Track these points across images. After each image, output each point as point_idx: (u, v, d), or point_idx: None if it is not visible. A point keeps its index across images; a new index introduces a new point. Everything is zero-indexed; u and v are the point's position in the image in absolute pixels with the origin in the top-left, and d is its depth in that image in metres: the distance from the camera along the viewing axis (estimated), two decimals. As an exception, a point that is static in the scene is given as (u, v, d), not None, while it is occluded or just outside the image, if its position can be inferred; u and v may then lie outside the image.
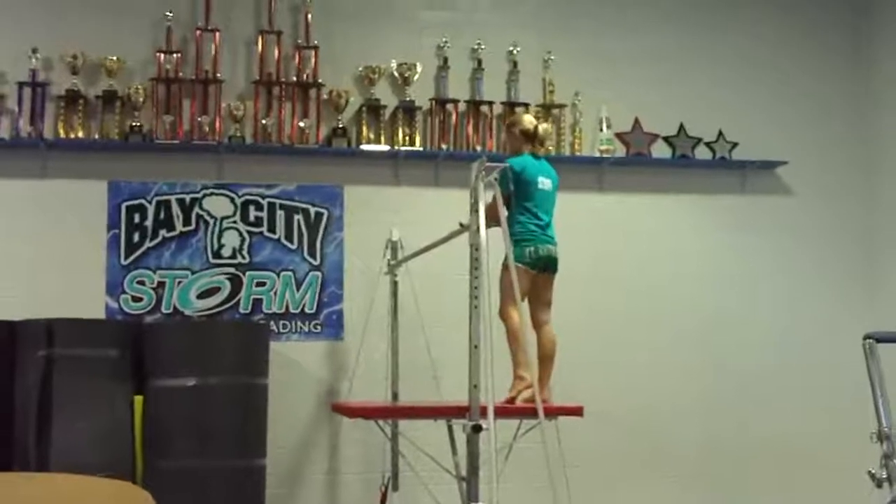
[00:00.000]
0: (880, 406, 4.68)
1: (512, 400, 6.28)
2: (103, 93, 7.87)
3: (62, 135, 7.80)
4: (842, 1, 9.18)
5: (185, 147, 7.95)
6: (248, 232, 8.03)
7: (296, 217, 8.11)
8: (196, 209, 7.98)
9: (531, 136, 6.73)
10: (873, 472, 4.53)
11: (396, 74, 8.30)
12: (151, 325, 7.45)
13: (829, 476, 7.92)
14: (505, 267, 5.98)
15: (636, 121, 8.65)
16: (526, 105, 8.41)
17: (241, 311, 7.95)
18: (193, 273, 7.92)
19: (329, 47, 8.25)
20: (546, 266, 6.46)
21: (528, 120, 6.88)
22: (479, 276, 5.52)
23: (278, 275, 8.03)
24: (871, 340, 4.84)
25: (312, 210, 8.14)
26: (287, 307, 8.02)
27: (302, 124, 8.09)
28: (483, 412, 5.36)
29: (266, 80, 8.13)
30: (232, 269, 7.98)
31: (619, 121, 8.60)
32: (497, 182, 5.73)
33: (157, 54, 7.98)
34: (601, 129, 8.54)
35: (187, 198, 7.98)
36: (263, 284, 8.01)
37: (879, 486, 4.52)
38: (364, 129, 8.20)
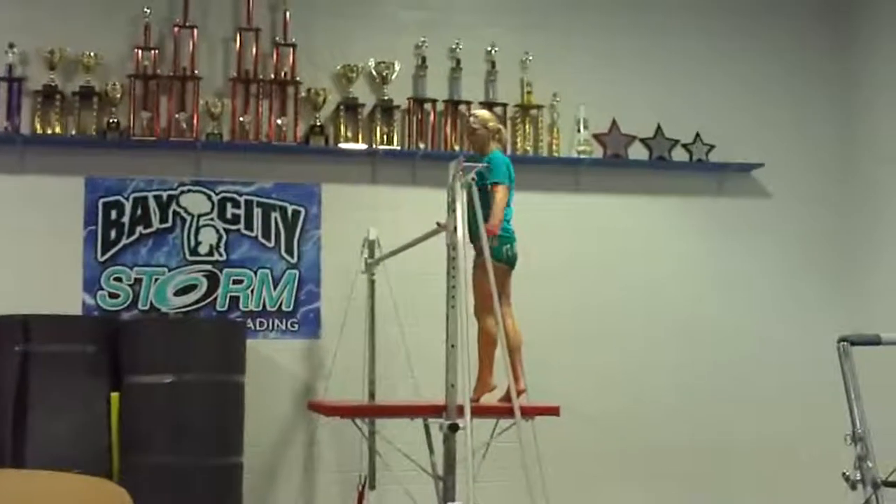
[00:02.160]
0: (854, 408, 4.70)
1: (476, 399, 6.24)
2: (80, 88, 7.85)
3: (39, 130, 7.77)
4: (821, 4, 9.22)
5: (162, 144, 7.94)
6: (225, 229, 8.02)
7: (273, 215, 8.11)
8: (173, 206, 7.96)
9: (495, 135, 6.74)
10: (847, 473, 4.56)
11: (374, 73, 8.30)
12: (128, 322, 7.45)
13: (807, 475, 7.97)
14: (481, 266, 5.98)
15: (613, 122, 8.68)
16: (503, 105, 8.43)
17: (218, 308, 7.94)
18: (170, 270, 7.91)
19: (307, 45, 8.24)
20: (514, 262, 6.48)
21: (494, 118, 6.90)
22: (456, 276, 5.53)
23: (255, 272, 8.03)
24: (845, 343, 4.86)
25: (290, 208, 8.14)
26: (264, 305, 8.02)
27: (279, 122, 8.08)
28: (460, 411, 5.37)
29: (244, 77, 8.12)
30: (209, 267, 7.97)
31: (597, 122, 8.62)
32: (491, 173, 6.07)
33: (135, 51, 7.96)
34: (578, 130, 8.56)
35: (164, 195, 7.96)
36: (240, 282, 8.00)
37: (854, 487, 4.55)
38: (342, 127, 8.20)
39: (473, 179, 5.77)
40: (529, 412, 5.99)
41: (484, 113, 6.97)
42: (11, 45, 7.75)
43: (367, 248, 7.71)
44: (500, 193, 6.26)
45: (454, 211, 5.53)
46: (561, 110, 8.56)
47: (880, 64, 8.80)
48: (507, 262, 6.34)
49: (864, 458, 4.56)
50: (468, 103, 8.39)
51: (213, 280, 7.97)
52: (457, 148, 8.26)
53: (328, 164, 8.24)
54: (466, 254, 5.58)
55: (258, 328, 7.96)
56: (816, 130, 9.07)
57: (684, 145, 8.79)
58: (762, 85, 8.99)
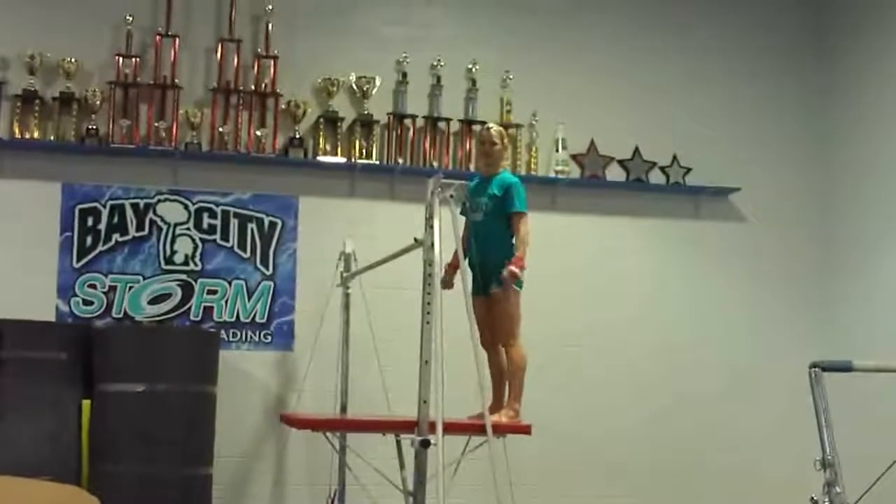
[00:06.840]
0: (824, 434, 4.72)
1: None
2: (60, 94, 7.83)
3: (17, 135, 7.74)
4: (799, 28, 9.30)
5: (140, 152, 7.92)
6: (201, 239, 8.01)
7: (249, 226, 8.10)
8: (150, 214, 7.95)
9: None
10: (815, 498, 4.58)
11: (355, 87, 8.31)
12: (101, 330, 7.40)
13: (776, 499, 7.96)
14: (504, 299, 6.29)
15: (592, 143, 8.71)
16: (483, 123, 8.44)
17: (192, 318, 7.92)
18: (145, 279, 7.89)
19: (288, 57, 8.25)
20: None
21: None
22: (431, 292, 5.53)
23: (230, 283, 8.02)
24: (817, 369, 4.89)
25: (266, 219, 8.13)
26: (238, 316, 8.00)
27: (259, 133, 8.08)
28: (431, 427, 5.37)
29: (224, 87, 8.12)
30: (184, 276, 7.95)
31: (575, 142, 8.66)
32: (516, 201, 6.34)
33: (116, 58, 7.95)
34: (557, 150, 8.59)
35: (141, 203, 7.95)
36: (215, 292, 7.99)
37: (821, 512, 4.56)
38: (321, 140, 8.21)
39: (468, 206, 5.93)
40: (501, 430, 6.00)
41: (499, 128, 6.80)
42: (-8, 49, 7.76)
43: (343, 262, 7.71)
44: (524, 225, 6.42)
45: (431, 227, 5.54)
46: (540, 130, 8.59)
47: (859, 90, 8.87)
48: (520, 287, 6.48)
49: (832, 484, 4.58)
50: (448, 120, 8.42)
51: (187, 289, 7.95)
52: (435, 164, 8.29)
53: (306, 176, 8.25)
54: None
55: (231, 339, 7.95)
56: (793, 156, 9.13)
57: (661, 168, 8.83)
58: (740, 109, 9.05)
